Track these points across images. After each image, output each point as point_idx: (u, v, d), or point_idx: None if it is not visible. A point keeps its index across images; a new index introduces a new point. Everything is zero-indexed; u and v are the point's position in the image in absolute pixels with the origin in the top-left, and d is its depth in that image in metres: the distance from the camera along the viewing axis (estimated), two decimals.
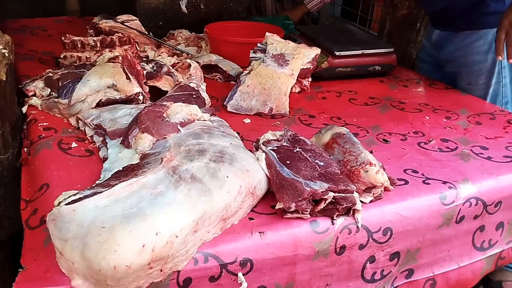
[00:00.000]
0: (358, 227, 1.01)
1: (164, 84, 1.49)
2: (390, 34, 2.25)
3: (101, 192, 0.86)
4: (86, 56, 1.63)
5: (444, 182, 1.15)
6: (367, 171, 1.04)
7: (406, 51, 2.15)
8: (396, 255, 1.09)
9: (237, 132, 1.23)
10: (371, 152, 1.15)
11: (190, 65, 1.62)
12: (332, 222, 1.00)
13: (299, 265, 0.98)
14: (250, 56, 1.61)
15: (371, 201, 1.06)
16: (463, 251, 1.19)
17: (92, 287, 0.79)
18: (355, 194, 1.01)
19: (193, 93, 1.33)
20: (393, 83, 1.81)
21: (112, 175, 0.96)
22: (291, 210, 0.97)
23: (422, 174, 1.18)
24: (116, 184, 0.88)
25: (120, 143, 1.12)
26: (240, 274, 0.92)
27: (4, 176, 1.23)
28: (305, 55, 1.61)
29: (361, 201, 1.04)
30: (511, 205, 1.22)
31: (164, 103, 1.18)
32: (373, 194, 1.06)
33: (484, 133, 1.43)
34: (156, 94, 1.44)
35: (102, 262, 0.77)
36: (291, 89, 1.56)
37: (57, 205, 0.86)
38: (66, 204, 0.84)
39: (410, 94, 1.72)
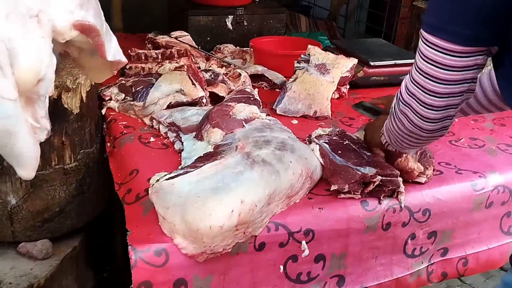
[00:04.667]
0: (401, 207, 1.18)
1: (220, 90, 1.69)
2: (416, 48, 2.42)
3: (192, 171, 1.05)
4: (148, 67, 1.84)
5: (475, 172, 1.31)
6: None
7: None
8: (433, 234, 1.25)
9: None
10: None
11: (240, 74, 1.82)
12: (379, 202, 1.17)
13: (351, 237, 1.15)
14: (295, 66, 1.79)
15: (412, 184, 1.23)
16: (492, 234, 1.35)
17: (190, 244, 0.97)
18: (399, 178, 1.18)
19: (250, 96, 1.52)
20: None
21: (195, 159, 1.15)
22: (345, 191, 1.15)
23: (455, 166, 1.35)
24: (203, 165, 1.07)
25: (194, 137, 1.32)
26: (303, 242, 1.09)
27: (90, 167, 1.43)
28: (344, 65, 1.79)
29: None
30: None
31: (229, 103, 1.38)
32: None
33: (509, 133, 1.59)
34: (214, 98, 1.63)
35: (200, 224, 0.95)
36: (332, 95, 1.75)
37: (155, 182, 1.05)
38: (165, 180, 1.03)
39: None
